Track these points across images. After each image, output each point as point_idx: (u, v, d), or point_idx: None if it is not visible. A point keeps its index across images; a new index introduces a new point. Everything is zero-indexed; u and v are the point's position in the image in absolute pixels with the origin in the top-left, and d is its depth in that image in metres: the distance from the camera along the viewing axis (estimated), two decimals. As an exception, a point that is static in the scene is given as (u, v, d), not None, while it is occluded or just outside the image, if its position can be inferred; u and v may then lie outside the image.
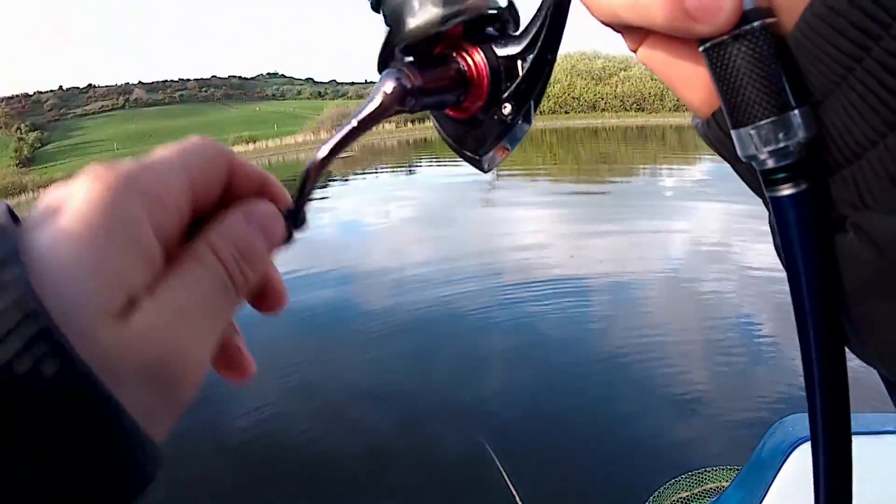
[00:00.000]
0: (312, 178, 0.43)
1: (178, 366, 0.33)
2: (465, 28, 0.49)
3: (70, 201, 0.31)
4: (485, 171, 0.54)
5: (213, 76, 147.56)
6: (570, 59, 62.60)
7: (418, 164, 33.15)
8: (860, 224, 0.35)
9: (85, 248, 0.30)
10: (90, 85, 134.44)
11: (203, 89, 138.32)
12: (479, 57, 0.49)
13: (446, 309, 7.88)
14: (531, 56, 0.48)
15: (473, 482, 4.32)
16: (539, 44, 0.47)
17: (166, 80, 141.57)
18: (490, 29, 0.51)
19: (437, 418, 5.37)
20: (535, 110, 0.52)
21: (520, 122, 0.51)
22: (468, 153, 0.53)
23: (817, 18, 0.34)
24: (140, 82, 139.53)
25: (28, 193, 49.14)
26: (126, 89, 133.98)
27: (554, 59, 0.49)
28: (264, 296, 0.43)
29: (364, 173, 30.30)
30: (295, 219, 0.42)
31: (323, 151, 0.43)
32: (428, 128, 59.61)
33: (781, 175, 0.37)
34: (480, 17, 0.48)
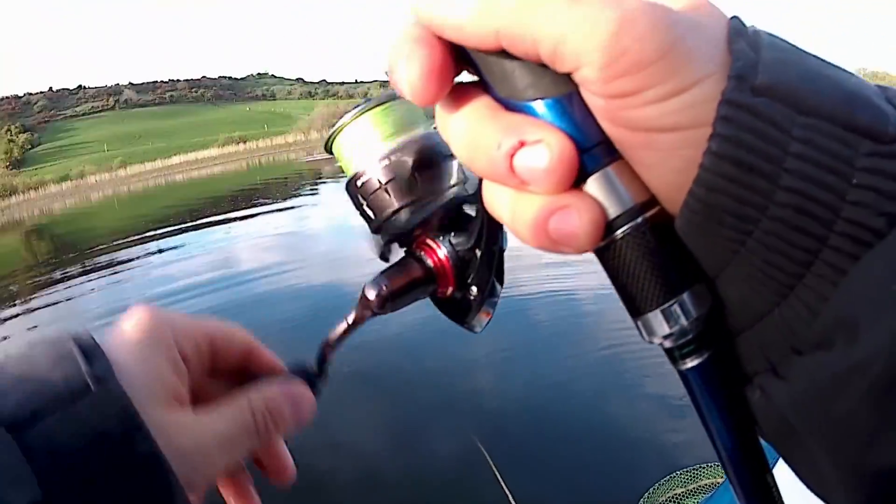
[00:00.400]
0: (328, 355, 0.57)
1: (199, 464, 0.46)
2: (428, 226, 0.54)
3: (125, 327, 0.49)
4: (476, 333, 0.60)
5: (204, 77, 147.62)
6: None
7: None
8: (764, 387, 0.36)
9: (135, 357, 0.47)
10: (80, 86, 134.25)
11: (193, 90, 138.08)
12: (442, 252, 0.54)
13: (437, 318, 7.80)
14: (481, 247, 0.52)
15: (464, 479, 4.28)
16: (484, 239, 0.52)
17: (156, 81, 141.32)
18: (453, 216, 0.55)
19: (428, 414, 5.32)
20: (501, 284, 0.57)
21: (488, 297, 0.56)
22: (458, 321, 0.60)
23: (695, 213, 0.35)
24: (130, 83, 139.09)
25: (19, 195, 49.05)
26: (116, 90, 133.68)
27: (502, 249, 0.53)
28: (276, 468, 0.57)
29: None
30: (315, 389, 0.55)
31: (333, 336, 0.57)
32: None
33: (683, 351, 0.38)
34: (439, 215, 0.54)
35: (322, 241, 13.50)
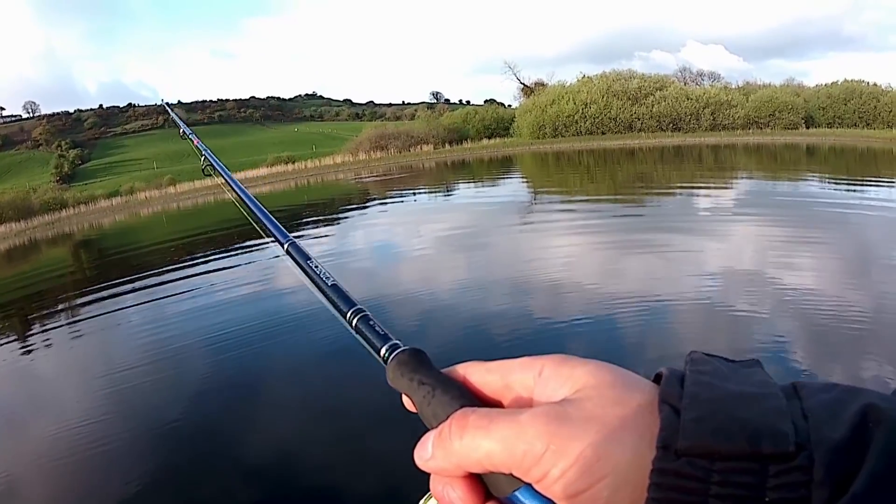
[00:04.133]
0: None
1: None
2: None
3: None
4: None
5: (252, 97, 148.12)
6: (605, 79, 62.21)
7: (456, 185, 33.17)
8: None
9: None
10: (130, 104, 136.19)
11: (242, 110, 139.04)
12: None
13: (474, 335, 8.00)
14: None
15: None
16: None
17: (205, 101, 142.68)
18: None
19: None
20: None
21: None
22: None
23: None
24: (179, 102, 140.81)
25: (69, 209, 49.85)
26: (165, 109, 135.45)
27: None
28: None
29: (402, 194, 30.42)
30: None
31: None
32: (466, 149, 59.63)
33: None
34: None
35: (364, 264, 13.71)
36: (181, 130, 2.64)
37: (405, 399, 0.63)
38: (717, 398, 0.47)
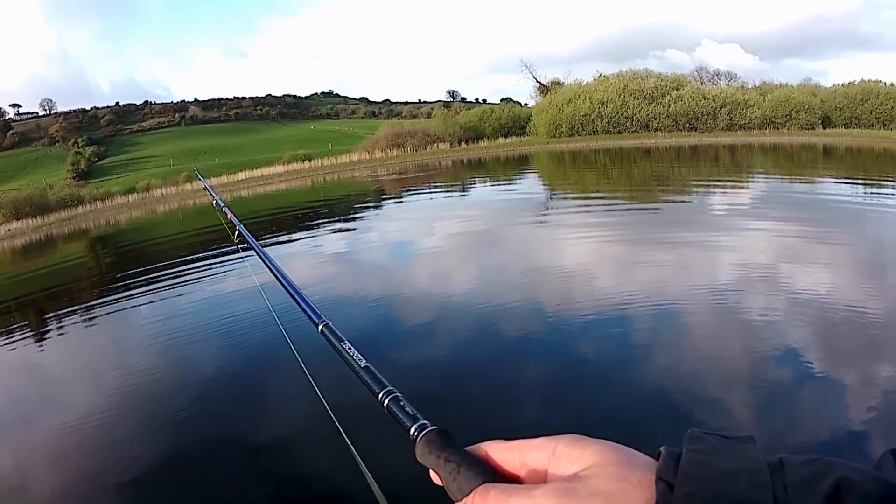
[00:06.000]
0: None
1: None
2: None
3: None
4: None
5: (268, 95, 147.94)
6: (622, 78, 62.05)
7: (472, 184, 33.11)
8: None
9: None
10: (146, 102, 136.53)
11: (258, 108, 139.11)
12: None
13: (485, 335, 7.89)
14: None
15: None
16: None
17: (221, 99, 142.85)
18: None
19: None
20: None
21: None
22: None
23: None
24: (196, 100, 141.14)
25: (85, 205, 50.01)
26: (181, 107, 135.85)
27: None
28: None
29: (419, 191, 30.41)
30: None
31: None
32: (482, 148, 59.55)
33: None
34: None
35: (378, 262, 13.69)
36: (213, 201, 2.70)
37: (432, 474, 0.67)
38: (707, 475, 0.51)
